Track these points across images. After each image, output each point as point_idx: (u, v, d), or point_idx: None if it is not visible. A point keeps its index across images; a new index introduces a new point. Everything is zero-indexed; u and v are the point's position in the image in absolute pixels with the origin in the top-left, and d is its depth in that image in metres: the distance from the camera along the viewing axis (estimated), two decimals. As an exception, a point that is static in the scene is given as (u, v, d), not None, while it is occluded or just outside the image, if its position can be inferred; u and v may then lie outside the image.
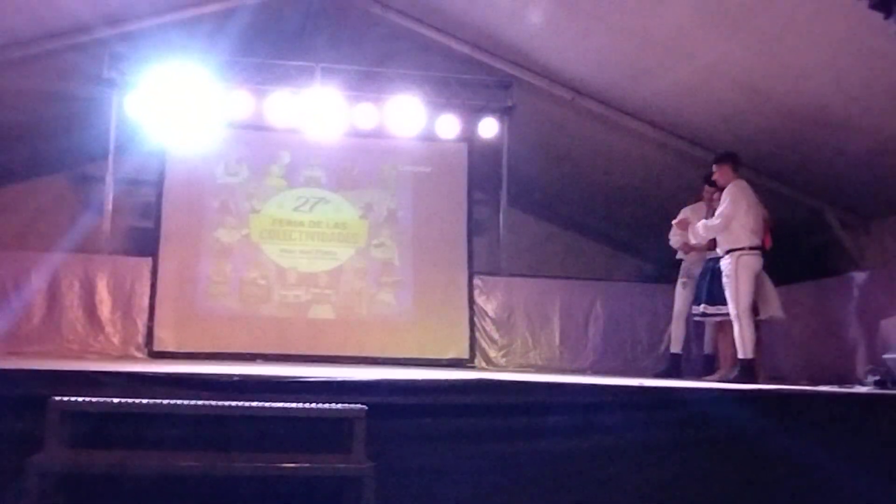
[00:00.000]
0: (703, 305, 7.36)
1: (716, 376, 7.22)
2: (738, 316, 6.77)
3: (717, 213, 7.02)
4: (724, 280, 6.94)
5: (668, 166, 8.85)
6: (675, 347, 7.97)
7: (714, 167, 7.31)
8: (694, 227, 7.25)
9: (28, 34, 7.63)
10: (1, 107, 8.53)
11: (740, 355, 6.77)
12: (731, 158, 7.23)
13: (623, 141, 8.98)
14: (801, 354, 8.10)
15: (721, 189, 7.17)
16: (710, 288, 7.25)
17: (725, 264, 6.93)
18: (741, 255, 6.82)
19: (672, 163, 8.77)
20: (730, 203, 6.92)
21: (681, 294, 7.96)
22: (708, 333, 7.92)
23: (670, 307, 8.13)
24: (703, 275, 7.51)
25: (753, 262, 6.85)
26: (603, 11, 7.25)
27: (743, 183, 7.11)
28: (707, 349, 7.98)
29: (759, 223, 6.98)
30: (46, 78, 8.22)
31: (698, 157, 8.45)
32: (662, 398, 4.87)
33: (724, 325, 7.25)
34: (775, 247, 7.08)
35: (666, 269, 8.72)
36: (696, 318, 7.66)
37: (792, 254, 8.06)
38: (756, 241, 6.88)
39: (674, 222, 7.71)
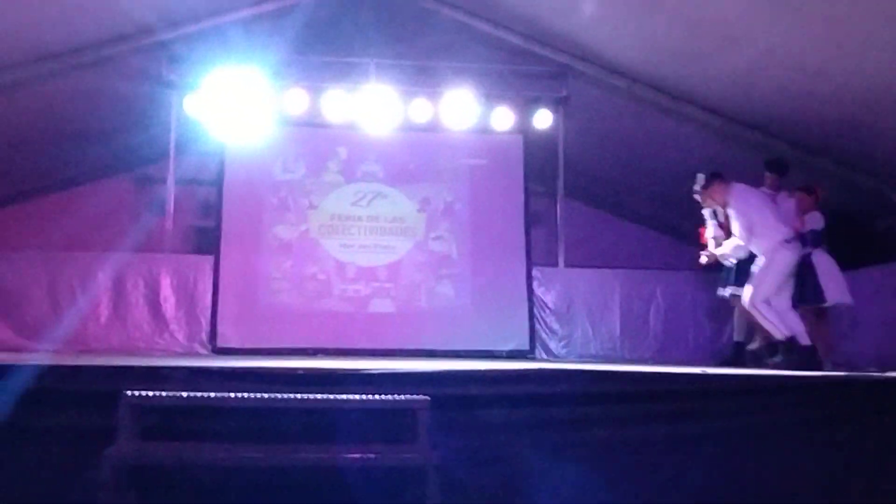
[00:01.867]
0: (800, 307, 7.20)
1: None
2: (753, 305, 6.75)
3: (736, 231, 6.96)
4: (754, 268, 6.86)
5: (727, 153, 8.71)
6: (739, 336, 7.83)
7: (703, 195, 7.27)
8: (723, 255, 7.22)
9: (90, 39, 7.81)
10: (66, 111, 8.76)
11: (781, 335, 6.69)
12: (715, 178, 7.17)
13: (681, 128, 8.88)
14: (868, 340, 7.92)
15: (776, 189, 7.29)
16: (804, 285, 7.06)
17: (764, 257, 6.84)
18: (777, 249, 6.74)
19: (731, 149, 8.64)
20: (739, 215, 6.88)
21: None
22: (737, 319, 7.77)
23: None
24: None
25: (789, 255, 6.76)
26: (656, -3, 7.20)
27: (740, 187, 7.05)
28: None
29: (776, 213, 6.93)
30: (108, 81, 8.40)
31: (758, 143, 8.33)
32: (725, 386, 4.82)
33: (807, 313, 7.08)
34: (840, 232, 6.94)
35: (728, 257, 8.60)
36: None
37: (857, 238, 7.91)
38: (787, 232, 6.79)
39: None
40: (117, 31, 7.89)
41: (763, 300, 6.74)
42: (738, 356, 7.71)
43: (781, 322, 6.70)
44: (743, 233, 6.86)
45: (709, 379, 4.89)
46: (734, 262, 7.41)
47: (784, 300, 6.85)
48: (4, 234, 9.66)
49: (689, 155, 9.32)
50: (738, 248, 6.99)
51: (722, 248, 7.22)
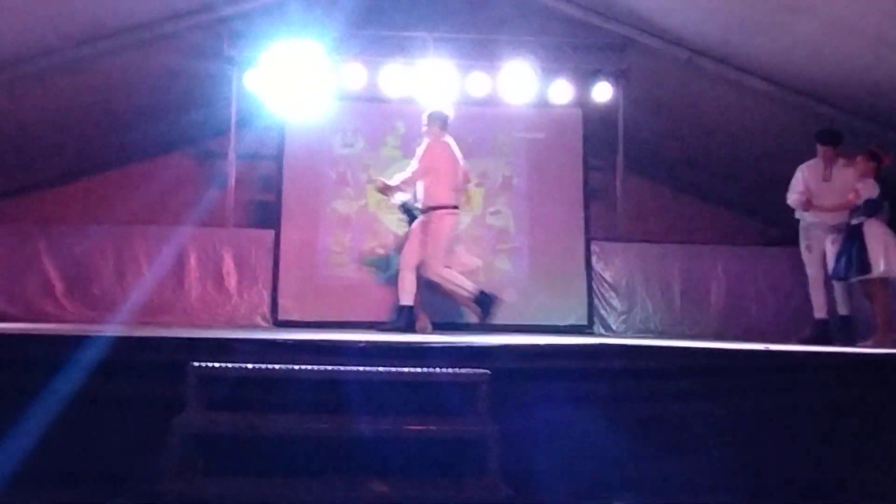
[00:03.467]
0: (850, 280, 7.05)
1: (870, 342, 6.87)
2: (438, 275, 7.04)
3: (412, 168, 7.23)
4: (421, 236, 7.10)
5: (790, 125, 8.54)
6: (820, 313, 7.57)
7: (425, 128, 7.38)
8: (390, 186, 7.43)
9: (151, 16, 7.92)
10: (129, 87, 8.91)
11: (403, 302, 7.11)
12: (439, 120, 7.31)
13: (743, 100, 8.71)
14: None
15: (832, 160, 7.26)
16: (849, 256, 6.89)
17: (424, 219, 7.12)
18: (444, 214, 7.02)
19: (795, 121, 8.46)
20: (425, 159, 7.12)
21: (809, 258, 7.62)
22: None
23: (796, 271, 7.84)
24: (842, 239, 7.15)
25: (453, 221, 7.12)
26: (720, -34, 7.06)
27: (448, 142, 7.24)
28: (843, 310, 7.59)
29: (458, 182, 7.21)
30: (170, 58, 8.52)
31: (823, 115, 8.14)
32: (785, 362, 4.76)
33: (868, 287, 6.93)
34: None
35: (790, 231, 8.44)
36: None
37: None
38: (455, 201, 7.10)
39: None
40: (178, 7, 7.99)
41: (443, 266, 7.06)
42: (820, 333, 7.51)
43: (465, 280, 7.14)
44: (414, 175, 7.15)
45: (772, 356, 4.83)
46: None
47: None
48: (71, 208, 9.91)
49: (752, 127, 9.18)
50: (402, 181, 7.29)
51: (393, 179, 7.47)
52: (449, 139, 7.33)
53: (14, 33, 7.20)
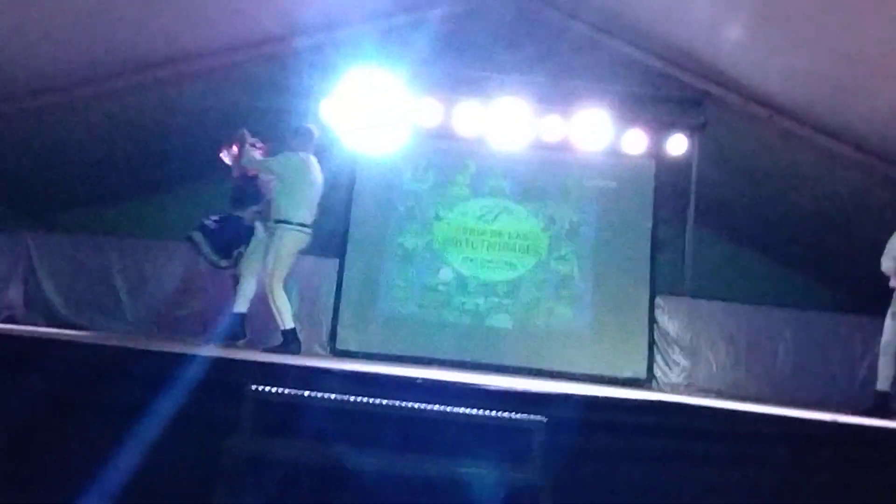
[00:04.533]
0: None
1: None
2: (271, 287, 6.83)
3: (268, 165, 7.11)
4: (264, 248, 6.98)
5: (872, 191, 8.34)
6: (883, 385, 7.18)
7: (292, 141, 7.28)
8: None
9: (222, 44, 8.10)
10: (199, 114, 9.10)
11: (283, 326, 6.91)
12: (302, 134, 7.31)
13: (823, 163, 8.55)
14: None
15: None
16: None
17: (272, 234, 6.92)
18: (290, 229, 6.87)
19: (877, 188, 8.26)
20: (279, 165, 7.02)
21: (890, 326, 7.29)
22: None
23: (867, 341, 7.56)
24: None
25: (300, 239, 6.97)
26: (805, 27, 6.96)
27: (307, 157, 7.11)
28: None
29: (313, 201, 7.05)
30: (249, 87, 8.69)
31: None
32: (849, 434, 4.59)
33: None
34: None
35: (864, 300, 8.20)
36: None
37: None
38: (308, 219, 7.01)
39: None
40: (253, 37, 8.15)
41: (280, 283, 6.89)
42: (881, 406, 7.21)
43: (288, 312, 6.91)
44: (264, 169, 7.11)
45: (839, 428, 4.66)
46: None
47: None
48: (143, 223, 10.09)
49: (830, 190, 8.99)
50: (258, 162, 7.19)
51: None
52: (311, 158, 7.26)
53: (103, 53, 7.44)
